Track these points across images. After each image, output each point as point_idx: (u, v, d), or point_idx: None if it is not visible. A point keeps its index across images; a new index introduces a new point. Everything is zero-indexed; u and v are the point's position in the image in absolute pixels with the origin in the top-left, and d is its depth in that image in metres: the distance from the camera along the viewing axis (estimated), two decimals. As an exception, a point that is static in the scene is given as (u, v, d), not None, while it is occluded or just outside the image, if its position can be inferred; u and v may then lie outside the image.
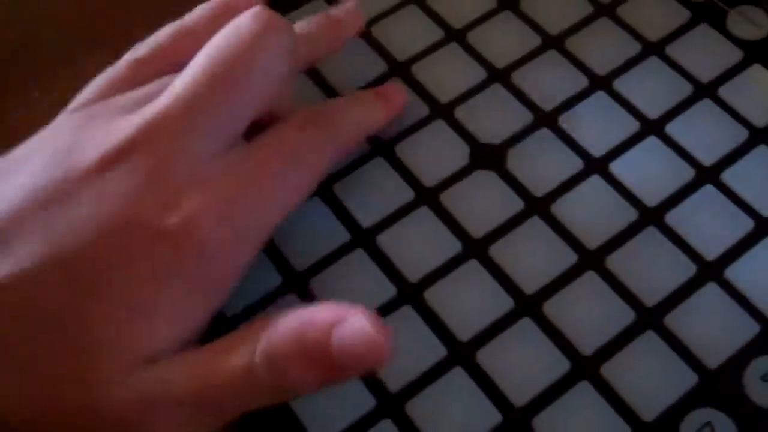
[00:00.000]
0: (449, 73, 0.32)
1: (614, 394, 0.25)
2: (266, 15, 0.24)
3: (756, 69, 0.31)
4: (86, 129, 0.23)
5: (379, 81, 0.32)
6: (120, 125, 0.23)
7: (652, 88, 0.31)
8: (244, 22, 0.24)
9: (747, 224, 0.28)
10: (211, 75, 0.23)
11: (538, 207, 0.28)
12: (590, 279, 0.27)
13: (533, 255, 0.27)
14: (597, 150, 0.29)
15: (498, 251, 0.27)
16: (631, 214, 0.28)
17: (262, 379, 0.21)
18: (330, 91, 0.31)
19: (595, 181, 0.29)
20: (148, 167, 0.22)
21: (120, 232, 0.21)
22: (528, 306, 0.26)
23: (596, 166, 0.29)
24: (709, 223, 0.28)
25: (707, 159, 0.29)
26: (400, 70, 0.32)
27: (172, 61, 0.26)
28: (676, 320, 0.26)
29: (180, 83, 0.23)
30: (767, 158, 0.29)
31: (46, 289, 0.21)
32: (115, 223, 0.21)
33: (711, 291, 0.26)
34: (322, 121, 0.26)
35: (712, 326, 0.26)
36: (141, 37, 0.27)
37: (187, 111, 0.23)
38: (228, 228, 0.22)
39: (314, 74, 0.32)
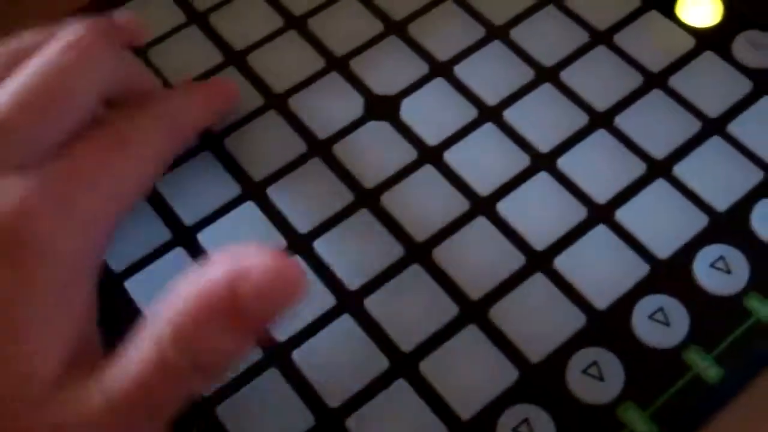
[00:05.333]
0: (344, 27, 0.31)
1: (502, 336, 0.25)
2: (81, 41, 0.23)
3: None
4: None
5: (275, 36, 0.31)
6: None
7: (548, 37, 0.31)
8: (56, 46, 0.22)
9: (639, 168, 0.28)
10: (18, 97, 0.21)
11: (431, 155, 0.28)
12: (481, 225, 0.27)
13: (425, 203, 0.27)
14: (492, 98, 0.29)
15: (390, 200, 0.27)
16: (523, 161, 0.28)
17: (180, 364, 0.19)
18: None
19: (489, 128, 0.29)
20: None
21: None
22: (418, 253, 0.26)
23: (491, 113, 0.29)
24: (602, 167, 0.28)
25: (601, 105, 0.29)
26: (297, 23, 0.31)
27: None
28: (565, 263, 0.26)
29: None
30: (662, 103, 0.29)
31: None
32: None
33: (600, 233, 0.26)
34: (151, 109, 0.25)
35: (602, 268, 0.26)
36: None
37: None
38: (61, 220, 0.20)
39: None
